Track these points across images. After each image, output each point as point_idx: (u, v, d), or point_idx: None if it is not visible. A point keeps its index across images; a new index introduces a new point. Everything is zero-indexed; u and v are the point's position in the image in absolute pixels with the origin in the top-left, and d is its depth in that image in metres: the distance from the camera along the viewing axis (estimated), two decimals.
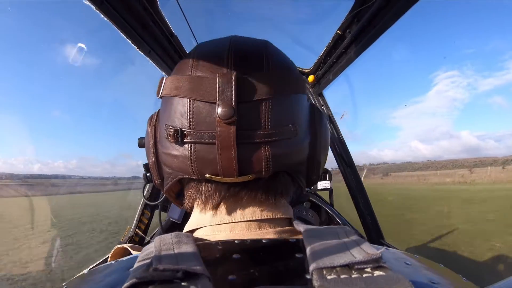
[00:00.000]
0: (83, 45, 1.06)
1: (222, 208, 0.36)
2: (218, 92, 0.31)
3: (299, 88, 0.36)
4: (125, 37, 0.93)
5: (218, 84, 0.32)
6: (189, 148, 0.33)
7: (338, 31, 1.19)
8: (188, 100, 0.33)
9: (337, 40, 1.25)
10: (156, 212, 1.79)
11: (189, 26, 1.27)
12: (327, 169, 1.90)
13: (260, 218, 0.35)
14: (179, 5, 1.07)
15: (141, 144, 0.54)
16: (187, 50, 1.32)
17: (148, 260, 0.25)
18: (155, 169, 0.39)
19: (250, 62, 0.34)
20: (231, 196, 0.35)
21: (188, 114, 0.33)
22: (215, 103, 0.31)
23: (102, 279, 0.28)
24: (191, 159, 0.33)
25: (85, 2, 0.68)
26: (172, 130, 0.33)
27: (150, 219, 1.82)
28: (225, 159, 0.32)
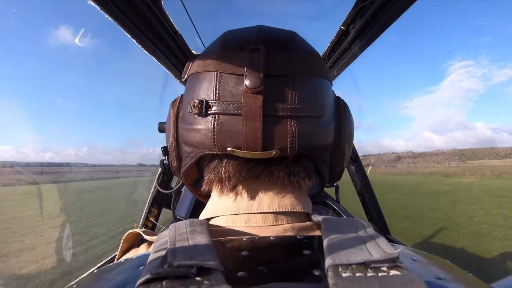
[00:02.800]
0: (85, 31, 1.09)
1: (240, 193, 0.35)
2: (247, 65, 0.32)
3: (325, 74, 0.37)
4: (129, 36, 0.95)
5: (247, 57, 0.32)
6: (213, 120, 0.32)
7: (342, 27, 1.18)
8: (215, 73, 0.33)
9: (341, 35, 1.24)
10: (164, 209, 1.78)
11: (193, 24, 1.28)
12: None
13: (277, 210, 0.34)
14: (183, 3, 1.08)
15: (161, 128, 0.52)
16: (192, 48, 1.33)
17: (163, 252, 0.25)
18: (173, 149, 0.38)
19: (278, 44, 0.35)
20: (251, 178, 0.35)
21: (214, 86, 0.33)
22: (242, 75, 0.32)
23: (112, 278, 0.28)
24: (213, 131, 0.32)
25: (89, 2, 0.70)
26: (196, 101, 0.33)
27: (157, 217, 1.77)
28: (250, 130, 0.31)
